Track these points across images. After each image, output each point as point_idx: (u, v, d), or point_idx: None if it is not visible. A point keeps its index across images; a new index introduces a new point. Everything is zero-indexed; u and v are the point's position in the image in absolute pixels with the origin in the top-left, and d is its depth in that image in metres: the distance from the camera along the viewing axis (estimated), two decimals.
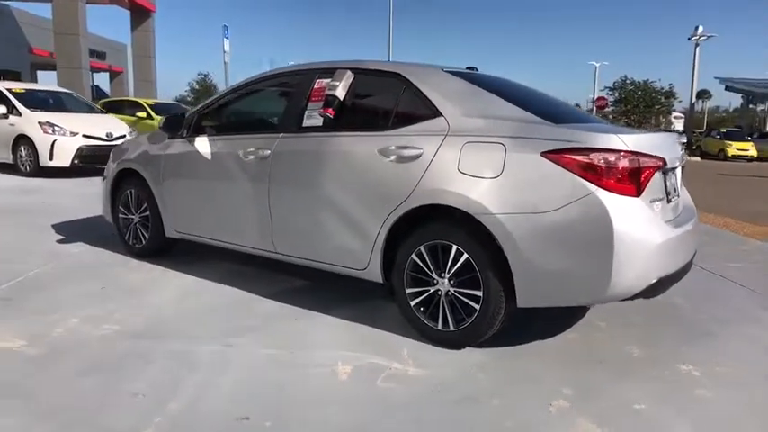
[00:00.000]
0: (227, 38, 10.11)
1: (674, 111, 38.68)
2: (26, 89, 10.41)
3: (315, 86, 3.40)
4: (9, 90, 9.85)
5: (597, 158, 2.46)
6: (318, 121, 3.30)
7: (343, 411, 2.23)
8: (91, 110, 11.07)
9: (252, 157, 3.52)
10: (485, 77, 3.30)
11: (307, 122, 3.36)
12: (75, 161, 9.35)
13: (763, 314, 3.55)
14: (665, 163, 2.67)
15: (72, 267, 4.16)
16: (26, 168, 9.33)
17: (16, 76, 24.49)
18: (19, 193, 7.57)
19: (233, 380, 2.48)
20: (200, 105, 4.09)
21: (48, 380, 2.43)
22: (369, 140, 3.06)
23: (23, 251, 4.55)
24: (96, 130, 9.70)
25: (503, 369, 2.65)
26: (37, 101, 10.01)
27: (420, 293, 2.92)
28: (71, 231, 5.26)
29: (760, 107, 40.21)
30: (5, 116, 9.44)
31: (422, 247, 2.87)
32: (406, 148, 2.90)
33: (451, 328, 2.82)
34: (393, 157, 2.93)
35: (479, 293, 2.71)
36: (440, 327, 2.85)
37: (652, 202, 2.63)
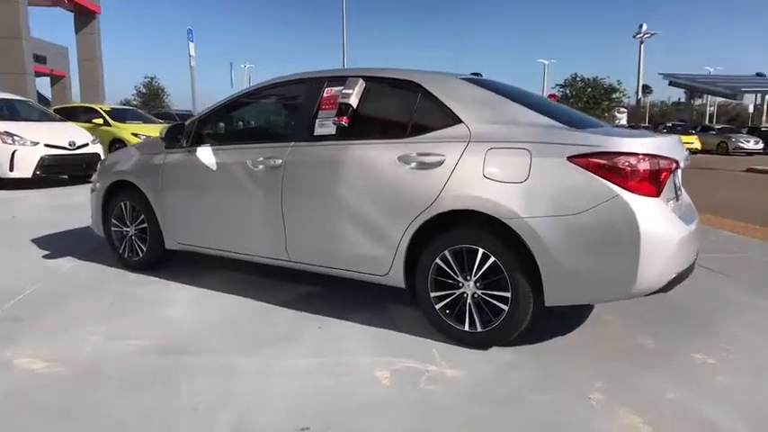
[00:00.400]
0: (191, 41, 9.91)
1: (619, 106, 40.27)
2: None
3: (324, 95, 3.42)
4: None
5: (622, 162, 2.60)
6: (331, 130, 3.33)
7: (398, 416, 2.29)
8: (49, 118, 10.63)
9: (261, 166, 3.51)
10: (495, 83, 3.40)
11: (319, 131, 3.38)
12: (38, 172, 8.99)
13: (751, 300, 3.81)
14: (677, 164, 2.84)
15: (70, 283, 4.04)
16: None
17: None
18: None
19: (281, 390, 2.49)
20: (199, 115, 4.04)
21: (95, 400, 2.39)
22: (388, 148, 3.11)
23: (11, 269, 4.38)
24: (58, 138, 9.35)
25: (533, 367, 2.75)
26: None
27: (445, 297, 3.00)
28: (54, 246, 5.08)
29: (698, 102, 42.38)
30: None
31: (446, 252, 2.95)
32: (427, 154, 2.96)
33: (479, 329, 2.91)
34: (414, 164, 2.99)
35: (507, 294, 2.81)
36: (466, 328, 2.94)
37: (667, 201, 2.79)
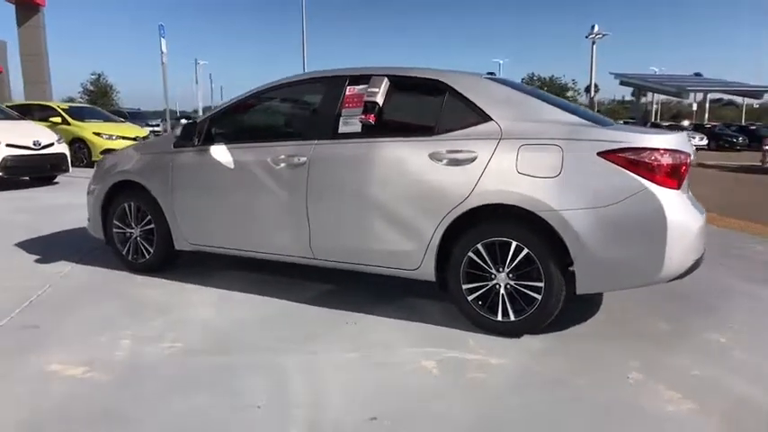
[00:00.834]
0: (163, 37, 9.64)
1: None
2: None
3: (347, 93, 3.47)
4: None
5: (648, 157, 2.78)
6: (356, 128, 3.38)
7: (458, 404, 2.38)
8: (7, 116, 10.13)
9: (283, 164, 3.52)
10: (512, 82, 3.54)
11: (343, 129, 3.43)
12: (0, 173, 8.56)
13: (742, 284, 4.10)
14: (690, 158, 3.05)
15: (75, 287, 3.92)
16: None
17: None
18: None
19: (336, 384, 2.54)
20: (210, 113, 4.00)
21: (150, 403, 2.36)
22: (418, 145, 3.19)
23: (4, 276, 4.20)
24: (21, 138, 8.93)
25: (566, 353, 2.90)
26: None
27: (477, 288, 3.11)
28: (44, 250, 4.90)
29: (643, 99, 44.38)
30: None
31: (479, 245, 3.06)
32: (459, 151, 3.06)
33: (512, 318, 3.03)
34: (445, 161, 3.09)
35: (540, 284, 2.94)
36: (500, 318, 3.06)
37: (684, 193, 2.99)
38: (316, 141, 3.48)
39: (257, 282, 4.03)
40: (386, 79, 3.38)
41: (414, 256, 3.22)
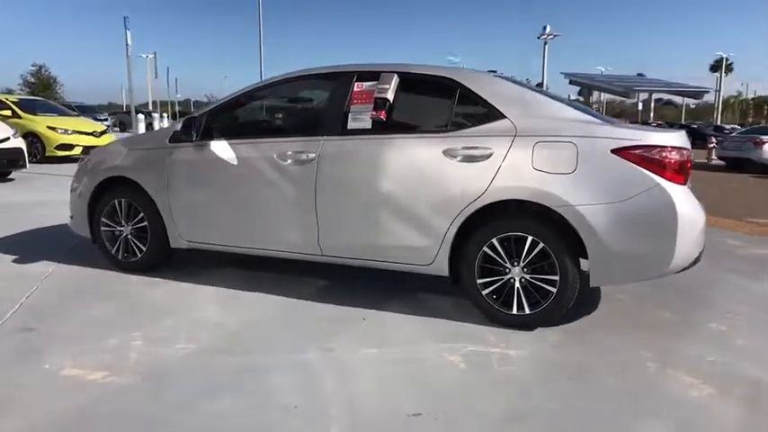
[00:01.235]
0: (128, 29, 9.25)
1: None
2: None
3: (355, 89, 3.44)
4: None
5: (659, 153, 2.89)
6: (366, 124, 3.36)
7: (493, 398, 2.41)
8: None
9: (290, 160, 3.47)
10: (517, 80, 3.60)
11: (352, 125, 3.40)
12: None
13: (727, 276, 4.32)
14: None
15: (65, 288, 3.74)
16: None
17: None
18: None
19: (368, 381, 2.53)
20: (209, 108, 3.88)
21: (184, 407, 2.28)
22: (431, 142, 3.20)
23: None
24: None
25: (581, 344, 2.98)
26: None
27: (492, 283, 3.15)
28: (18, 250, 4.64)
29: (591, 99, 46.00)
30: None
31: (494, 240, 3.10)
32: (474, 148, 3.10)
33: (527, 311, 3.09)
34: (460, 157, 3.12)
35: (555, 278, 3.01)
36: (514, 311, 3.12)
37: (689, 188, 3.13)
38: (324, 137, 3.44)
39: (253, 279, 3.96)
40: (396, 76, 3.38)
41: (428, 251, 3.24)
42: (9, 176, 9.25)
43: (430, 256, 3.24)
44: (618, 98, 51.12)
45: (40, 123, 11.95)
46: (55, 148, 11.93)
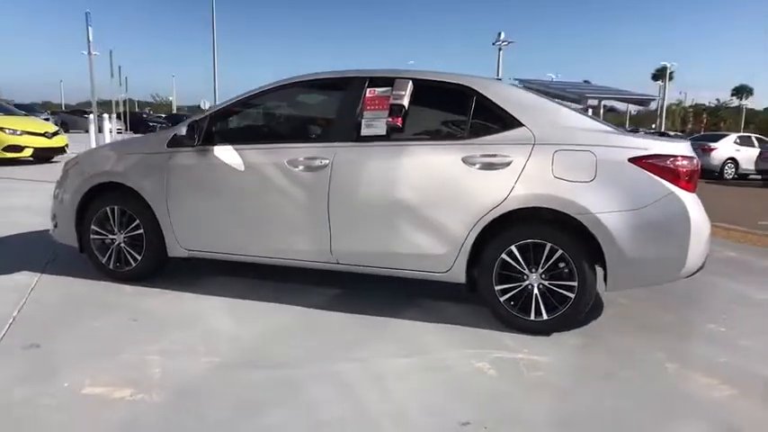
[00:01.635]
0: (90, 26, 8.83)
1: None
2: None
3: (367, 95, 3.42)
4: None
5: (674, 162, 3.02)
6: (380, 130, 3.35)
7: (530, 403, 2.44)
8: None
9: (302, 167, 3.41)
10: (532, 88, 3.67)
11: (366, 131, 3.38)
12: None
13: (713, 279, 4.53)
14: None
15: (57, 301, 3.54)
16: None
17: None
18: None
19: (405, 390, 2.51)
20: (209, 112, 3.76)
21: (228, 424, 2.20)
22: (449, 149, 3.22)
23: None
24: None
25: (600, 347, 3.07)
26: None
27: (510, 289, 3.20)
28: None
29: None
30: None
31: (513, 247, 3.15)
32: (493, 156, 3.14)
33: (544, 317, 3.15)
34: (479, 165, 3.15)
35: (573, 283, 3.09)
36: (532, 317, 3.17)
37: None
38: (338, 144, 3.40)
39: (255, 288, 3.87)
40: (410, 83, 3.38)
41: (445, 258, 3.25)
42: None
43: (447, 263, 3.25)
44: (571, 105, 52.71)
45: None
46: (3, 150, 11.27)
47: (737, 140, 17.40)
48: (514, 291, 3.20)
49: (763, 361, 2.93)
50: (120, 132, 26.61)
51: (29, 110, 22.80)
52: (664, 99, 45.31)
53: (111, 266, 3.93)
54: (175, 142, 3.70)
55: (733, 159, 17.01)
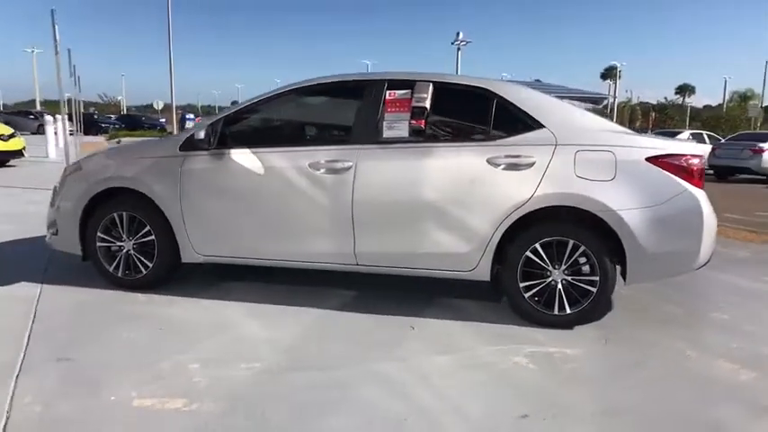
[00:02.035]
0: (55, 24, 8.47)
1: None
2: None
3: (387, 97, 3.46)
4: None
5: (687, 161, 3.18)
6: (402, 133, 3.40)
7: (576, 394, 2.54)
8: None
9: (323, 169, 3.42)
10: (542, 88, 3.78)
11: (388, 133, 3.42)
12: None
13: (706, 272, 4.75)
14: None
15: (69, 312, 3.43)
16: None
17: None
18: None
19: (454, 387, 2.56)
20: (224, 114, 3.71)
21: (289, 430, 2.19)
22: (473, 151, 3.30)
23: None
24: None
25: (622, 339, 3.20)
26: None
27: (533, 286, 3.30)
28: None
29: None
30: None
31: (537, 245, 3.25)
32: (517, 156, 3.23)
33: (568, 311, 3.27)
34: (503, 166, 3.24)
35: (595, 278, 3.22)
36: (556, 312, 3.28)
37: None
38: (361, 146, 3.42)
39: (270, 292, 3.85)
40: (431, 85, 3.44)
41: (471, 257, 3.32)
42: None
43: (473, 262, 3.33)
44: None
45: None
46: None
47: (690, 137, 18.25)
48: (539, 287, 3.30)
49: None
50: (72, 134, 25.60)
51: None
52: (615, 98, 47.06)
53: (119, 274, 3.82)
54: (188, 145, 3.64)
55: None
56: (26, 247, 5.01)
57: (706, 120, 38.43)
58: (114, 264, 3.83)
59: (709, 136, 18.72)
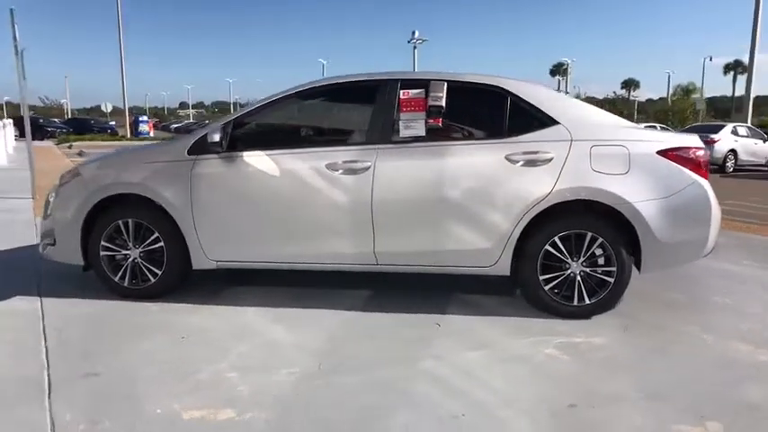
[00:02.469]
0: (15, 24, 8.04)
1: None
2: None
3: (402, 97, 3.47)
4: None
5: (694, 153, 3.33)
6: (419, 132, 3.42)
7: (615, 381, 2.62)
8: None
9: (342, 170, 3.40)
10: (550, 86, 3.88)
11: (405, 132, 3.43)
12: None
13: (704, 261, 4.96)
14: None
15: (79, 325, 3.29)
16: None
17: None
18: None
19: (498, 381, 2.61)
20: (233, 117, 3.63)
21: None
22: (492, 148, 3.35)
23: None
24: None
25: (640, 326, 3.31)
26: None
27: (553, 279, 3.38)
28: None
29: None
30: None
31: (556, 238, 3.33)
32: (535, 153, 3.30)
33: (586, 301, 3.37)
34: (521, 162, 3.30)
35: (612, 269, 3.32)
36: (575, 303, 3.38)
37: None
38: (378, 146, 3.42)
39: (282, 295, 3.81)
40: (446, 84, 3.46)
41: (491, 253, 3.37)
42: None
43: (494, 257, 3.38)
44: None
45: None
46: None
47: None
48: (558, 279, 3.38)
49: None
50: (17, 139, 24.50)
51: None
52: (567, 92, 48.47)
53: (125, 284, 3.69)
54: (197, 149, 3.55)
55: None
56: (4, 257, 4.78)
57: (656, 113, 39.99)
58: (120, 273, 3.69)
59: (663, 128, 19.54)
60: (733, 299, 3.83)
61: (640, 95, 73.09)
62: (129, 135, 35.67)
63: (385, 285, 4.01)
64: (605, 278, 3.35)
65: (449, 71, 3.66)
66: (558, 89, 50.81)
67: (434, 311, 3.50)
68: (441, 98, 3.40)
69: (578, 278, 3.36)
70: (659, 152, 3.30)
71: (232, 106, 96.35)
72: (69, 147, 25.07)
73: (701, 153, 3.37)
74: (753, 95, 21.91)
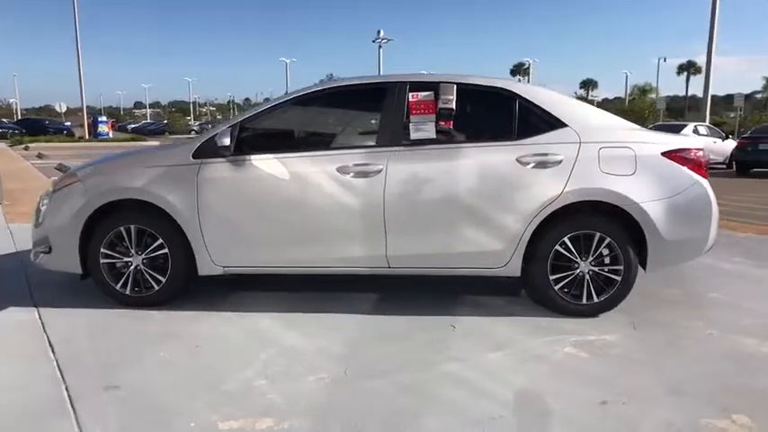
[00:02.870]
0: None
1: None
2: None
3: (411, 99, 3.48)
4: None
5: (695, 154, 3.45)
6: (430, 134, 3.44)
7: (637, 377, 2.69)
8: None
9: (353, 173, 3.39)
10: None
11: (415, 135, 3.44)
12: None
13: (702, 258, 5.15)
14: None
15: (86, 336, 3.19)
16: None
17: None
18: None
19: (525, 381, 2.65)
20: (239, 119, 3.56)
21: None
22: (503, 150, 3.39)
23: None
24: None
25: (647, 323, 3.41)
26: None
27: (563, 278, 3.45)
28: None
29: None
30: None
31: (565, 238, 3.40)
32: (545, 154, 3.36)
33: (595, 300, 3.45)
34: (532, 164, 3.36)
35: (620, 267, 3.41)
36: (584, 301, 3.45)
37: None
38: (390, 148, 3.42)
39: (290, 300, 3.78)
40: (455, 86, 3.49)
41: (503, 254, 3.42)
42: None
43: (505, 258, 3.42)
44: None
45: None
46: None
47: None
48: (567, 279, 3.45)
49: None
50: None
51: None
52: None
53: (128, 292, 3.59)
54: (203, 152, 3.48)
55: None
56: None
57: (615, 113, 41.20)
58: (121, 281, 3.58)
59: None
60: (728, 295, 3.97)
61: (598, 95, 75.19)
62: (87, 136, 34.50)
63: (393, 288, 4.01)
64: (612, 277, 3.43)
65: (449, 72, 3.69)
66: None
67: (446, 313, 3.53)
68: (451, 101, 3.42)
69: (587, 277, 3.44)
70: (663, 153, 3.41)
71: (191, 106, 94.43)
72: (26, 148, 24.11)
73: (701, 154, 3.50)
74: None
